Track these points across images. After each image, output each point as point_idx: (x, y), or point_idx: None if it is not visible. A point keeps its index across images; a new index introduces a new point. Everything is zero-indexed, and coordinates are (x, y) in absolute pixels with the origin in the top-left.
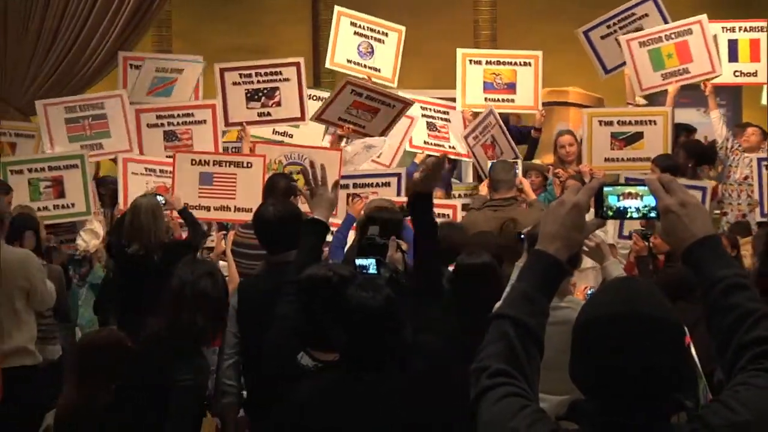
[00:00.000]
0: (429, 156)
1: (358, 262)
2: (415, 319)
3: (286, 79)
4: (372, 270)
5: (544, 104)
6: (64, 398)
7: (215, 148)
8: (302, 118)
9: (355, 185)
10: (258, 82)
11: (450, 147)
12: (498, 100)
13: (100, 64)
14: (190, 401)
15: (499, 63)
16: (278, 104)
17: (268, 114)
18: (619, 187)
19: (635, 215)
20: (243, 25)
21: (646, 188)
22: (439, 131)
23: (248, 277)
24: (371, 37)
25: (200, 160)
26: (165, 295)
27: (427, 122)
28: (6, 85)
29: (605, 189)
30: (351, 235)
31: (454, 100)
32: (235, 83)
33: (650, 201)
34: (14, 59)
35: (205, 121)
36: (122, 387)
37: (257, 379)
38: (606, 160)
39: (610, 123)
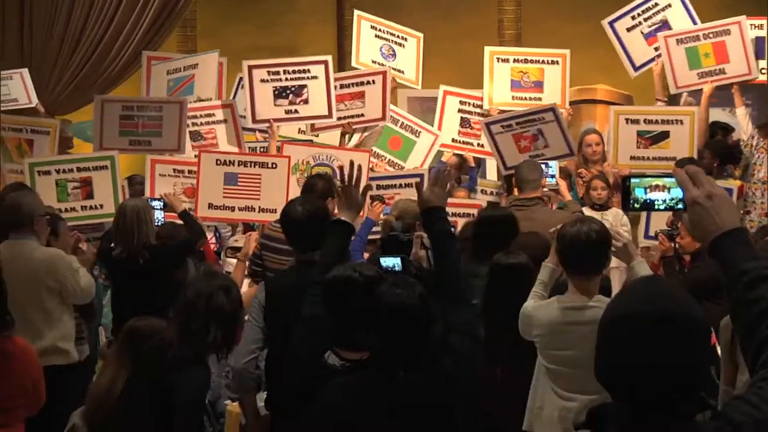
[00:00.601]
0: (455, 155)
1: (383, 261)
2: (444, 320)
3: (314, 77)
4: (398, 269)
5: (572, 103)
6: (97, 381)
7: (239, 147)
8: (330, 115)
9: (378, 186)
10: (286, 79)
11: (479, 145)
12: (525, 98)
13: (125, 65)
14: (193, 417)
15: (526, 61)
16: (306, 102)
17: (296, 111)
18: (646, 180)
19: (662, 207)
20: (268, 24)
21: (673, 180)
22: (471, 127)
23: (277, 274)
24: (392, 40)
25: (225, 160)
26: (178, 303)
27: (462, 118)
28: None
29: (632, 181)
30: None
31: (480, 99)
32: (263, 80)
33: (677, 193)
34: (39, 60)
35: (226, 121)
36: (132, 379)
37: (282, 377)
38: (632, 158)
39: (637, 121)
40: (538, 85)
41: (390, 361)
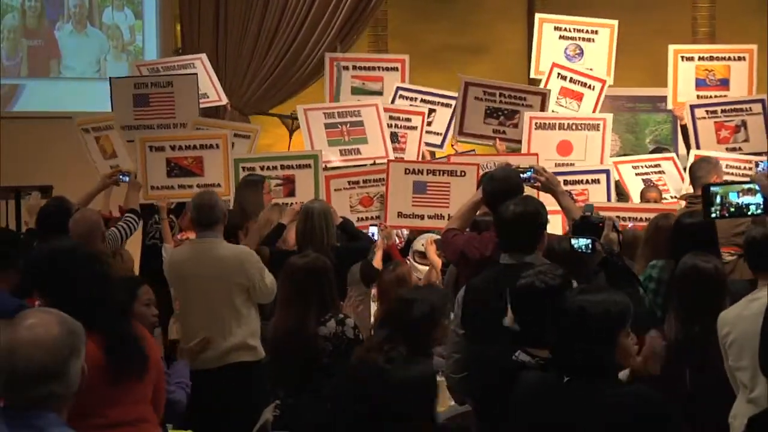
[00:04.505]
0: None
1: (574, 242)
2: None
3: (529, 106)
4: (588, 251)
5: None
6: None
7: (417, 156)
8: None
9: (566, 182)
10: (501, 102)
11: (672, 197)
12: (710, 97)
13: (317, 65)
14: None
15: (711, 58)
16: (515, 126)
17: (504, 132)
18: (734, 185)
19: (756, 211)
20: (458, 23)
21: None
22: (655, 184)
23: (476, 278)
24: (579, 38)
25: (414, 169)
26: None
27: (643, 179)
28: (226, 85)
29: (712, 189)
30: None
31: (665, 97)
32: (476, 98)
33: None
34: (234, 60)
35: (416, 128)
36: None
37: (479, 378)
38: None
39: None
40: (724, 83)
41: (560, 363)
